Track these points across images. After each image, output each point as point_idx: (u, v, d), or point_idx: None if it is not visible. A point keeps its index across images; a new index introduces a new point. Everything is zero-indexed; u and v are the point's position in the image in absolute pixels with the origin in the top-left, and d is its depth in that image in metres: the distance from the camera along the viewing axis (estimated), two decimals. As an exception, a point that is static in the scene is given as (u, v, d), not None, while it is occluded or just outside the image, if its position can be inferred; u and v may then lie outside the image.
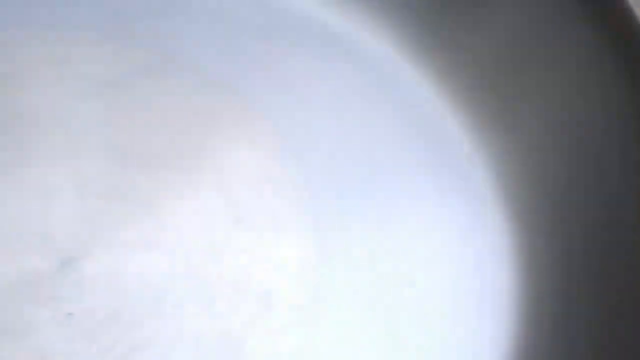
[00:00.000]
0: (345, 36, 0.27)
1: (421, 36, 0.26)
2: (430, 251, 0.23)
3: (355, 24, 0.27)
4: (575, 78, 0.24)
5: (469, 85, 0.25)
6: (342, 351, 0.21)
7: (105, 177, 0.23)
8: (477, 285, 0.22)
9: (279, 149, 0.24)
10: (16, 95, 0.24)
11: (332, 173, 0.24)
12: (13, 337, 0.20)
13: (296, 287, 0.21)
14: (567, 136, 0.24)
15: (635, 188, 0.22)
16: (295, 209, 0.23)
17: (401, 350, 0.21)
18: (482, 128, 0.25)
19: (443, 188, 0.24)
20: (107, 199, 0.22)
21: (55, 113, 0.23)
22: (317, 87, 0.25)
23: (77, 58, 0.24)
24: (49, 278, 0.21)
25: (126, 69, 0.24)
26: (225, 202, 0.23)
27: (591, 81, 0.24)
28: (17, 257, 0.21)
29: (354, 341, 0.21)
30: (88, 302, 0.21)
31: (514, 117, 0.25)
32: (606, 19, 0.23)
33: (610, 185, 0.22)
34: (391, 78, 0.26)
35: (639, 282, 0.20)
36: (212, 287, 0.21)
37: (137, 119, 0.24)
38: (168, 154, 0.23)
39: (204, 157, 0.23)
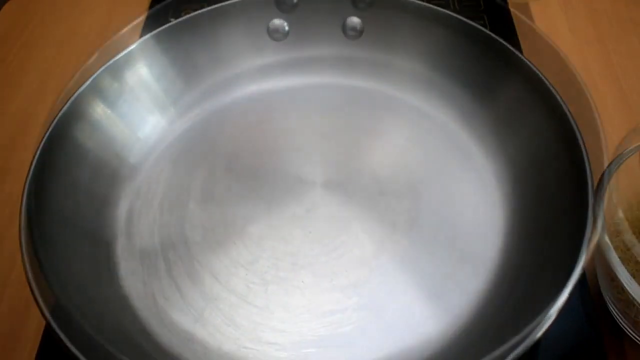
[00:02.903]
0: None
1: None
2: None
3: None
4: None
5: None
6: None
7: (314, 161, 0.46)
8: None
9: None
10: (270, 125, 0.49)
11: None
12: (287, 242, 0.42)
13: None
14: None
15: None
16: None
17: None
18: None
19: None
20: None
21: (304, 123, 0.48)
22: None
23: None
24: (301, 214, 0.43)
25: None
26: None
27: None
28: (288, 205, 0.44)
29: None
30: (317, 227, 0.42)
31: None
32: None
33: None
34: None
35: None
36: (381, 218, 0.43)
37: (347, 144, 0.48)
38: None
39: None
